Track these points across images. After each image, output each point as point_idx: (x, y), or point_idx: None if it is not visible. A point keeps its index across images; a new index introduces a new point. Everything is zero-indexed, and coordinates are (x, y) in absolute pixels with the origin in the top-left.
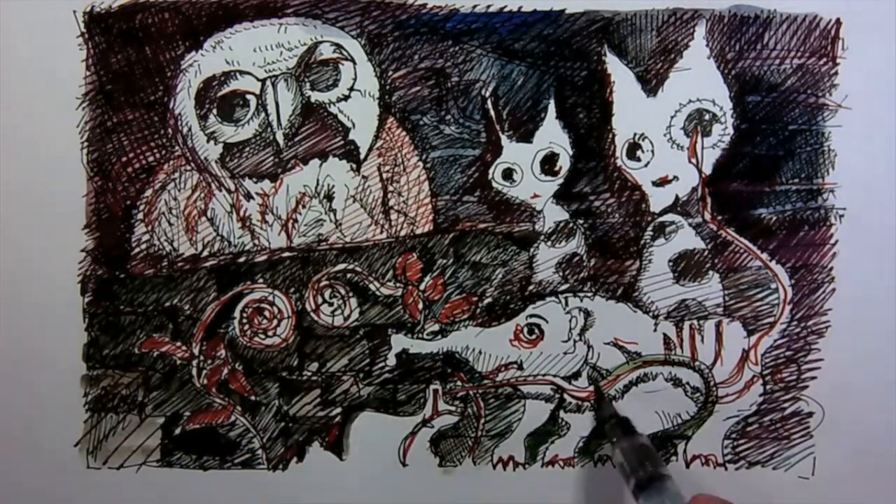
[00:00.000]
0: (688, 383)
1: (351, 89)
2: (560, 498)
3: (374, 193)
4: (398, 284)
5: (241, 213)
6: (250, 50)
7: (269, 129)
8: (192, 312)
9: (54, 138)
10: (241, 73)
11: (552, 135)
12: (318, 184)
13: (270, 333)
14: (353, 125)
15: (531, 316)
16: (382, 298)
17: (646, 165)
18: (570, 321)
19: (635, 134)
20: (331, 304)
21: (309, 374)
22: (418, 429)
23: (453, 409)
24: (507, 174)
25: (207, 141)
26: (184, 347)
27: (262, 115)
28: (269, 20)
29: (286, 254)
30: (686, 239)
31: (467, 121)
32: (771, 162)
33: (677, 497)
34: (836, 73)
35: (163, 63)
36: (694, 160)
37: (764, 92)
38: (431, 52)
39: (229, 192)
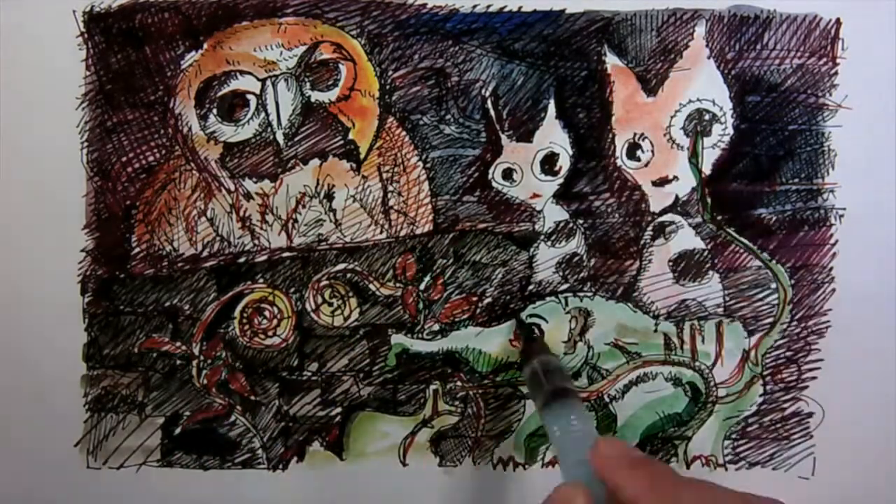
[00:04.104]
0: (688, 383)
1: (351, 89)
2: None
3: (374, 193)
4: (398, 284)
5: (241, 213)
6: (250, 50)
7: (269, 129)
8: (192, 312)
9: (54, 138)
10: (241, 73)
11: (552, 135)
12: (318, 184)
13: (270, 333)
14: (353, 125)
15: (531, 316)
16: (382, 298)
17: (646, 165)
18: (570, 321)
19: (635, 134)
20: (331, 305)
21: (309, 374)
22: (418, 429)
23: (453, 409)
24: (507, 174)
25: (207, 141)
26: (184, 347)
27: (262, 115)
28: (269, 20)
29: (286, 254)
30: (686, 239)
31: (467, 121)
32: (771, 162)
33: (584, 414)
34: (836, 73)
35: (163, 63)
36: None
37: (764, 92)
38: (431, 52)
39: (229, 192)
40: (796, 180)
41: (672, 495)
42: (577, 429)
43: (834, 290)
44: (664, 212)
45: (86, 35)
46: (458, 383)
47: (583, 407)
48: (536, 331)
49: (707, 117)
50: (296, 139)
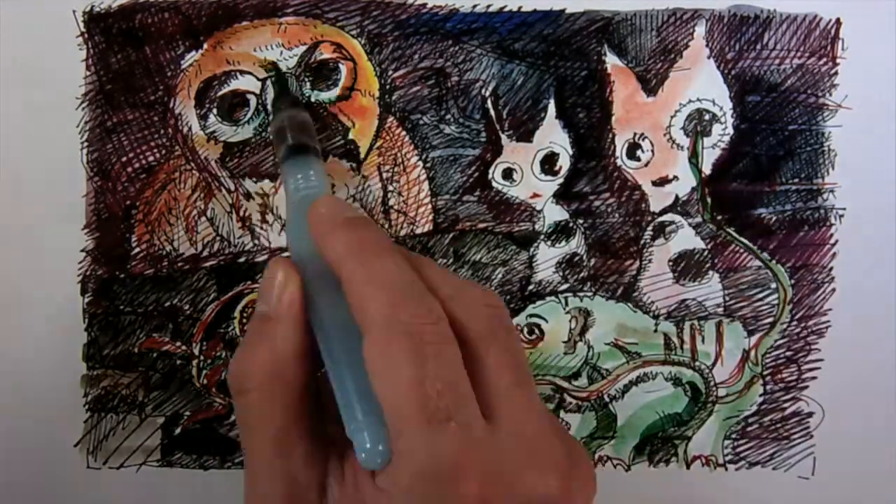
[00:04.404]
0: (688, 383)
1: (351, 89)
2: None
3: (374, 193)
4: None
5: (241, 213)
6: (250, 50)
7: (269, 129)
8: (192, 312)
9: (54, 138)
10: (241, 73)
11: (552, 135)
12: None
13: None
14: (353, 125)
15: (531, 316)
16: None
17: (646, 165)
18: (570, 321)
19: (635, 134)
20: None
21: None
22: None
23: None
24: (507, 174)
25: (207, 141)
26: (184, 347)
27: (263, 114)
28: (269, 20)
29: (286, 254)
30: (686, 239)
31: (467, 121)
32: (771, 162)
33: (322, 174)
34: (836, 73)
35: (163, 63)
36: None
37: (764, 92)
38: (431, 51)
39: (229, 192)
40: (796, 180)
41: (375, 264)
42: (313, 185)
43: (834, 290)
44: (664, 212)
45: (86, 35)
46: None
47: (322, 167)
48: (291, 82)
49: (707, 117)
50: None
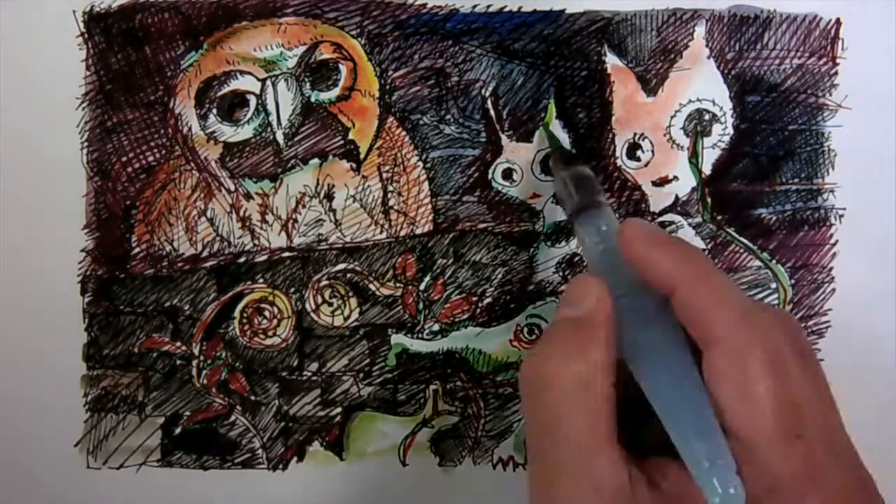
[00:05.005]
0: None
1: (351, 89)
2: None
3: (374, 193)
4: (398, 284)
5: (241, 213)
6: (250, 50)
7: (269, 129)
8: (192, 312)
9: (54, 138)
10: (241, 73)
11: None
12: (318, 184)
13: (270, 333)
14: (353, 125)
15: (531, 316)
16: (382, 298)
17: (646, 165)
18: None
19: (635, 134)
20: (331, 305)
21: (309, 374)
22: (418, 429)
23: (453, 409)
24: (507, 174)
25: (207, 141)
26: (184, 347)
27: (262, 115)
28: (269, 20)
29: (286, 254)
30: (686, 239)
31: (467, 121)
32: (771, 162)
33: (612, 220)
34: (836, 73)
35: (163, 63)
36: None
37: (764, 92)
38: (431, 52)
39: (229, 192)
40: (796, 180)
41: (716, 279)
42: (607, 235)
43: (834, 290)
44: (664, 212)
45: (86, 35)
46: (458, 383)
47: (612, 216)
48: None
49: (707, 117)
50: (296, 139)
